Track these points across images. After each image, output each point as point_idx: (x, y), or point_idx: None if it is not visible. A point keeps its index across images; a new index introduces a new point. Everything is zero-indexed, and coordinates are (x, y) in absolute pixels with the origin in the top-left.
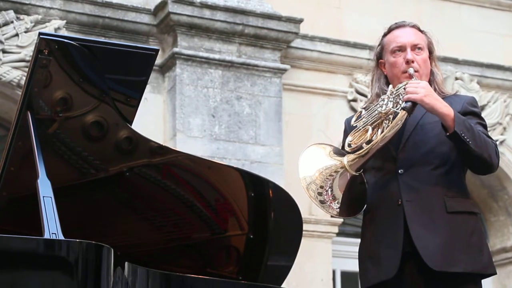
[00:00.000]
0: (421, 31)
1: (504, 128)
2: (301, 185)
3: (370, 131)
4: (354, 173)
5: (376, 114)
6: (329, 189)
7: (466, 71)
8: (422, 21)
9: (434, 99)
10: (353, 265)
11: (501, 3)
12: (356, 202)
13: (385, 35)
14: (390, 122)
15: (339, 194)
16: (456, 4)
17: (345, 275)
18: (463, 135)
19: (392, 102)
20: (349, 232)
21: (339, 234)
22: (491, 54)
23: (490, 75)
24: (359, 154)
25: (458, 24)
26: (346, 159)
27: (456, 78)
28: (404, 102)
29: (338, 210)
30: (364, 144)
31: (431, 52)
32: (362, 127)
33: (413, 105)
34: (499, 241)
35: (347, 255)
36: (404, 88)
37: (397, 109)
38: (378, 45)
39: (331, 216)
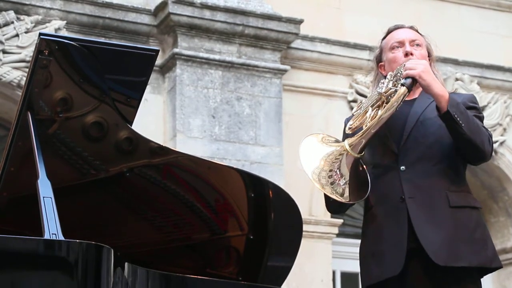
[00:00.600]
0: (420, 33)
1: (504, 129)
2: (311, 179)
3: (369, 112)
4: (356, 155)
5: (376, 95)
6: (337, 169)
7: (466, 72)
8: (422, 21)
9: (431, 77)
10: (353, 266)
11: (501, 4)
12: (361, 186)
13: (384, 38)
14: None
15: (346, 172)
16: (455, 4)
17: (345, 276)
18: (455, 115)
19: (392, 82)
20: (349, 233)
21: (339, 235)
22: (491, 55)
23: (490, 76)
24: (359, 135)
25: (458, 25)
26: (347, 142)
27: (456, 79)
28: (403, 79)
29: (344, 186)
30: (364, 126)
31: (429, 54)
32: (362, 110)
33: (413, 81)
34: (499, 242)
35: (347, 256)
36: (404, 67)
37: (396, 88)
38: (378, 48)
39: (330, 214)
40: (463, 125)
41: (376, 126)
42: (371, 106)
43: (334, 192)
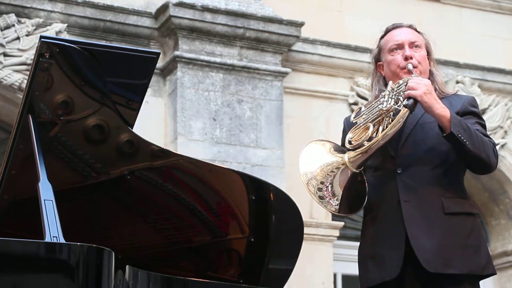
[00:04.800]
0: (418, 32)
1: (505, 132)
2: (301, 180)
3: (371, 128)
4: (354, 170)
5: (377, 111)
6: (330, 185)
7: (467, 74)
8: (423, 24)
9: (433, 99)
10: (354, 269)
11: (502, 7)
12: (356, 200)
13: (382, 37)
14: (391, 119)
15: (339, 191)
16: (457, 7)
17: (346, 279)
18: (459, 135)
19: (393, 99)
20: (350, 235)
21: (340, 237)
22: (492, 58)
23: (491, 78)
24: (360, 151)
25: (459, 28)
26: (347, 156)
27: (457, 82)
28: (406, 99)
29: (337, 207)
30: (365, 142)
31: (429, 52)
32: (363, 124)
33: (415, 102)
34: (500, 245)
35: (348, 259)
36: (406, 84)
37: (398, 106)
38: (376, 48)
39: (331, 216)
40: (467, 143)
41: (379, 143)
42: (372, 122)
43: (322, 205)
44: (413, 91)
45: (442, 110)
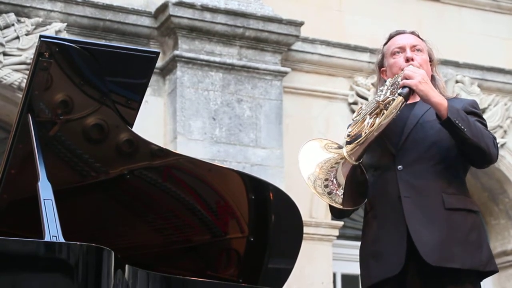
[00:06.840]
0: (421, 39)
1: (505, 131)
2: (308, 185)
3: (367, 120)
4: (354, 163)
5: (374, 103)
6: (334, 179)
7: (467, 74)
8: (422, 23)
9: (429, 87)
10: (354, 268)
11: (502, 6)
12: (358, 193)
13: (385, 43)
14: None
15: (343, 181)
16: (456, 7)
17: (346, 278)
18: (456, 121)
19: (389, 91)
20: (349, 235)
21: (339, 237)
22: (492, 57)
23: (490, 78)
24: (357, 143)
25: (458, 27)
26: (345, 150)
27: (457, 81)
28: (400, 88)
29: (342, 196)
30: (362, 133)
31: (431, 58)
32: (361, 118)
33: (410, 91)
34: (499, 244)
35: (348, 258)
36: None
37: (394, 97)
38: (379, 54)
39: (331, 216)
40: (465, 130)
41: (374, 133)
42: (369, 114)
43: (332, 201)
44: (408, 80)
45: (439, 98)
